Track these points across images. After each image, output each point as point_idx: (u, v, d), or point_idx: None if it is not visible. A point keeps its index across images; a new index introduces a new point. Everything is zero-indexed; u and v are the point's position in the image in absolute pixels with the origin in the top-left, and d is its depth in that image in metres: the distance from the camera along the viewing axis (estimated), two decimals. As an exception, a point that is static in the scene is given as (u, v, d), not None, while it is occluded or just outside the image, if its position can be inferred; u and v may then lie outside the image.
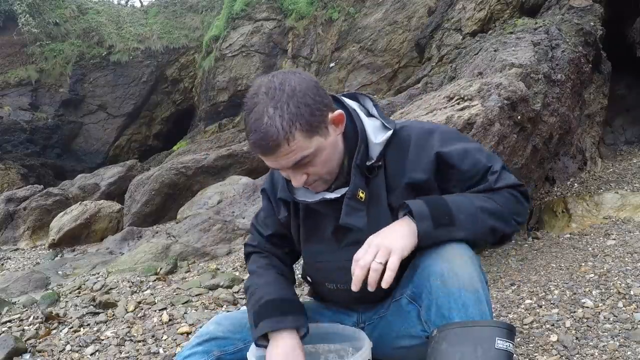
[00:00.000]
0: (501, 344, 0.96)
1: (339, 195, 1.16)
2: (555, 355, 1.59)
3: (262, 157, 1.08)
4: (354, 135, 1.17)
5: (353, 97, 1.27)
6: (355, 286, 1.06)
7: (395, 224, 1.11)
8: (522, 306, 2.00)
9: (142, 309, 2.49)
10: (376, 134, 1.18)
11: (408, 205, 1.10)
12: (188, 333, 2.11)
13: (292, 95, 1.04)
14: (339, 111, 1.13)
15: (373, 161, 1.16)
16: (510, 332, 0.99)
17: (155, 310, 2.46)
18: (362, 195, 1.15)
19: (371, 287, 1.05)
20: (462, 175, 1.17)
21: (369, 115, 1.24)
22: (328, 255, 1.25)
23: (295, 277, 1.45)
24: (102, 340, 2.15)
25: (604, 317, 1.79)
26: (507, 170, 1.21)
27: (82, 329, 2.31)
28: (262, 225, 1.40)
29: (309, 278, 1.38)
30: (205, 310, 2.37)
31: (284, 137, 1.02)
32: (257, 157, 1.14)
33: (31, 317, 2.51)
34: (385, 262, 1.04)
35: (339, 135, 1.14)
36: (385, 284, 1.03)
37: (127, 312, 2.47)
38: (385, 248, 1.05)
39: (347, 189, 1.15)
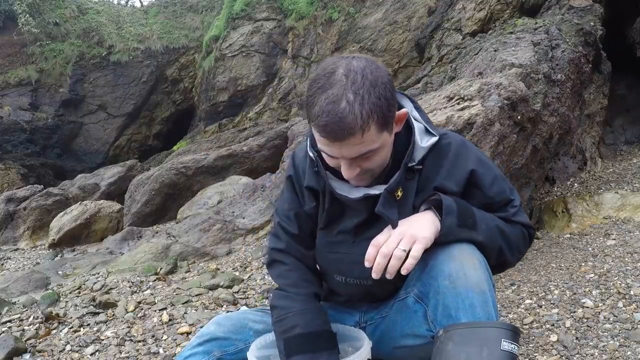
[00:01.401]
0: (507, 345, 0.97)
1: (381, 192, 1.13)
2: (555, 355, 1.59)
3: (328, 141, 1.02)
4: (406, 135, 1.17)
5: None
6: (375, 274, 1.05)
7: (417, 216, 1.11)
8: (522, 306, 2.00)
9: (142, 309, 2.49)
10: (422, 138, 1.17)
11: (437, 197, 1.10)
12: (188, 333, 2.11)
13: (375, 84, 0.99)
14: (405, 110, 1.12)
15: (414, 163, 1.15)
16: (515, 334, 1.00)
17: (155, 310, 2.46)
18: (399, 193, 1.14)
19: (390, 275, 1.05)
20: (485, 199, 1.19)
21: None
22: (343, 247, 1.24)
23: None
24: (102, 340, 2.15)
25: (604, 317, 1.79)
26: (522, 209, 1.26)
27: (82, 329, 2.31)
28: (287, 221, 1.30)
29: (317, 267, 1.34)
30: (205, 310, 2.37)
31: (361, 126, 0.98)
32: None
33: (31, 317, 2.51)
34: (408, 250, 1.04)
35: (397, 131, 1.13)
36: (405, 271, 1.03)
37: (127, 312, 2.47)
38: (410, 236, 1.05)
39: (385, 186, 1.13)
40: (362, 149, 1.03)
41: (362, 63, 1.02)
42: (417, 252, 1.03)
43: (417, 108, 1.23)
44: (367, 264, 1.07)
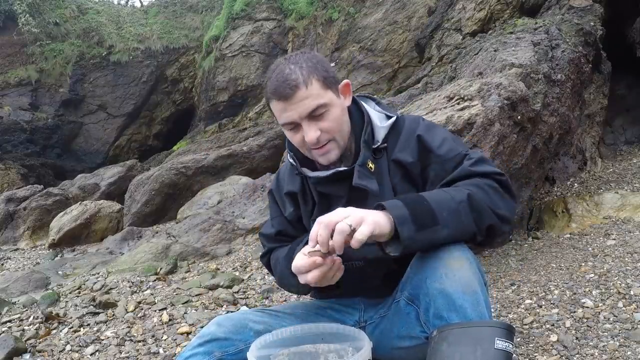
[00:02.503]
0: (501, 344, 0.97)
1: (350, 167, 1.24)
2: (555, 355, 1.59)
3: (282, 105, 1.17)
4: (360, 118, 1.31)
5: (352, 100, 1.35)
6: (322, 246, 1.02)
7: (374, 210, 1.06)
8: (522, 306, 2.00)
9: (142, 309, 2.49)
10: (380, 120, 1.31)
11: (384, 206, 1.05)
12: (188, 333, 2.11)
13: (311, 59, 1.21)
14: (347, 80, 1.27)
15: (379, 143, 1.27)
16: (509, 332, 0.99)
17: (155, 310, 2.46)
18: (371, 165, 1.24)
19: (338, 250, 1.00)
20: (439, 159, 1.22)
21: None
22: None
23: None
24: (102, 340, 2.15)
25: (604, 317, 1.79)
26: (488, 161, 1.21)
27: (82, 329, 2.31)
28: (268, 227, 1.48)
29: None
30: (205, 310, 2.37)
31: (304, 80, 1.15)
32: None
33: (31, 317, 2.51)
34: (354, 228, 0.99)
35: (347, 105, 1.28)
36: (356, 243, 0.98)
37: (127, 312, 2.47)
38: (358, 217, 1.00)
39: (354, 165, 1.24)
40: (312, 103, 1.16)
41: (300, 50, 1.27)
42: (361, 234, 0.97)
43: (379, 103, 1.38)
44: (311, 243, 1.04)
